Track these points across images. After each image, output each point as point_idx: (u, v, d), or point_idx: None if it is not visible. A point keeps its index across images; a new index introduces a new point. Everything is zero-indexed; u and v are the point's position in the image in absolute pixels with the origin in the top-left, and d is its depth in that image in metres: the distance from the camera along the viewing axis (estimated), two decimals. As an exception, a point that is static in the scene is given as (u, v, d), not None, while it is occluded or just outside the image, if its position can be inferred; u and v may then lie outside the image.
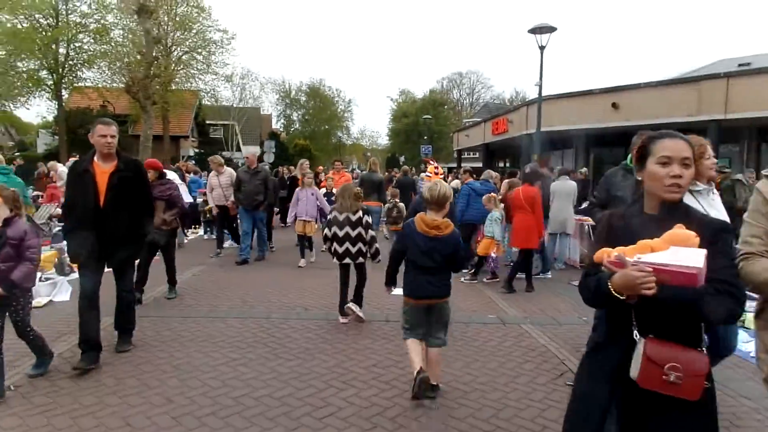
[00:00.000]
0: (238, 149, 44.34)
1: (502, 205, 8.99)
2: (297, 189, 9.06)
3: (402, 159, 48.33)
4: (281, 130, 54.88)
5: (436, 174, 9.42)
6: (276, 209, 10.63)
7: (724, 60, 27.09)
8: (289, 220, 9.09)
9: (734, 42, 75.71)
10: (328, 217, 5.95)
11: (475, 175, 10.01)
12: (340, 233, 5.65)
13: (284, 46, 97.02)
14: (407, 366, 4.35)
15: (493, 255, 8.04)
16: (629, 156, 4.22)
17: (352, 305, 5.75)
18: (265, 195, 9.07)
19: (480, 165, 35.04)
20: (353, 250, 5.67)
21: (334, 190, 9.78)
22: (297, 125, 56.39)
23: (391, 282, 4.15)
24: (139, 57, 24.35)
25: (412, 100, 53.33)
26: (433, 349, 3.88)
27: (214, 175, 9.49)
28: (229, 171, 9.51)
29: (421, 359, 3.77)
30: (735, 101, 14.52)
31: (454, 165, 36.74)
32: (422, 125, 43.67)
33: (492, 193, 8.43)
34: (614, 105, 17.40)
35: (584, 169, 14.43)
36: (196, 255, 9.69)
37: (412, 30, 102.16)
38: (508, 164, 32.71)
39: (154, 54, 23.63)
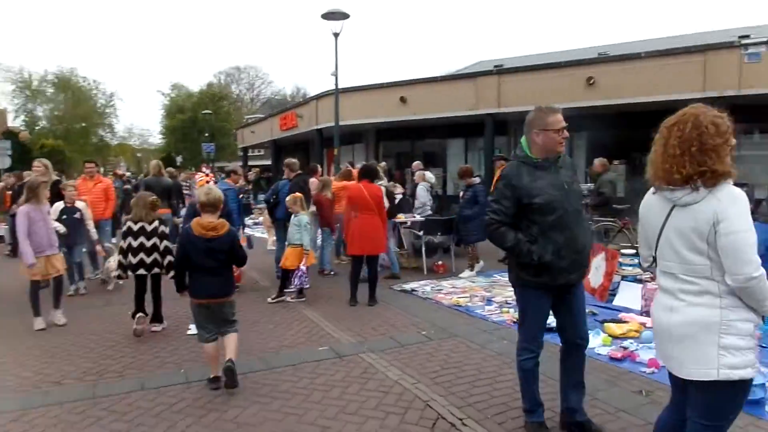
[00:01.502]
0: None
1: (314, 207, 7.99)
2: (23, 207, 5.69)
3: (179, 159, 43.99)
4: (23, 128, 45.32)
5: (207, 176, 8.04)
6: None
7: (482, 61, 30.36)
8: (27, 259, 5.53)
9: (487, 45, 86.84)
10: (123, 228, 5.76)
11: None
12: (135, 243, 5.53)
13: (15, 27, 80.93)
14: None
15: (302, 267, 6.85)
16: (523, 142, 3.20)
17: (151, 326, 5.62)
18: None
19: (268, 162, 33.66)
20: (148, 260, 5.55)
21: (79, 203, 7.24)
22: (45, 122, 47.10)
23: (181, 286, 4.18)
24: None
25: (188, 95, 48.71)
26: (228, 336, 4.16)
27: None
28: None
29: (218, 366, 4.11)
30: (506, 97, 15.84)
31: (240, 163, 34.54)
32: (201, 121, 40.15)
33: (298, 193, 7.26)
34: (402, 99, 17.72)
35: (383, 163, 14.24)
36: None
37: (182, 18, 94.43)
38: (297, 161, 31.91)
39: None
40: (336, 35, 14.26)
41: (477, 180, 8.34)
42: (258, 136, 31.07)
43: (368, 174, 6.94)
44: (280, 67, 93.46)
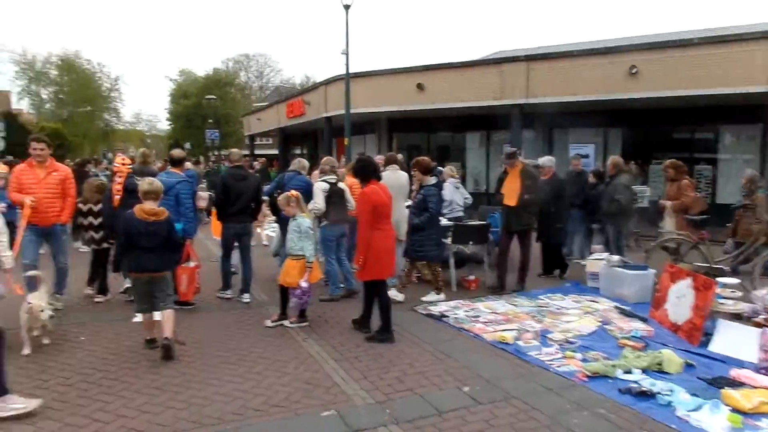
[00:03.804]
0: (-41, 134, 33.91)
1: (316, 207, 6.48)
2: None
3: (188, 145, 42.63)
4: (32, 111, 44.18)
5: (123, 165, 6.61)
6: None
7: (503, 50, 28.73)
8: None
9: (508, 35, 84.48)
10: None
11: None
12: (86, 222, 6.48)
13: (17, 6, 79.54)
14: None
15: (303, 284, 5.37)
16: None
17: (95, 297, 6.26)
18: None
19: (276, 152, 32.31)
20: (97, 236, 6.37)
21: None
22: (50, 105, 45.73)
23: (120, 266, 5.31)
24: None
25: (194, 80, 47.21)
26: (165, 312, 4.56)
27: None
28: None
29: (151, 331, 4.70)
30: (536, 86, 14.29)
31: (247, 152, 33.19)
32: (206, 107, 38.72)
33: (293, 191, 5.76)
34: (419, 86, 16.21)
35: (400, 156, 12.80)
36: None
37: (192, 2, 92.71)
38: (305, 151, 30.52)
39: None
40: (347, 7, 12.79)
41: (432, 180, 6.53)
42: (264, 123, 29.67)
43: (373, 172, 5.26)
44: (290, 56, 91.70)
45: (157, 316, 4.62)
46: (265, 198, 11.02)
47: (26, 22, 77.34)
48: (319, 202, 6.37)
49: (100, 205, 6.27)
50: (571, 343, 4.84)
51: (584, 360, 4.40)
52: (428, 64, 16.88)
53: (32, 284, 5.10)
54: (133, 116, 57.96)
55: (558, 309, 5.99)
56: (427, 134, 19.83)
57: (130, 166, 6.38)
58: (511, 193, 6.93)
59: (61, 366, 4.33)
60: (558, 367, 4.31)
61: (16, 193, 5.50)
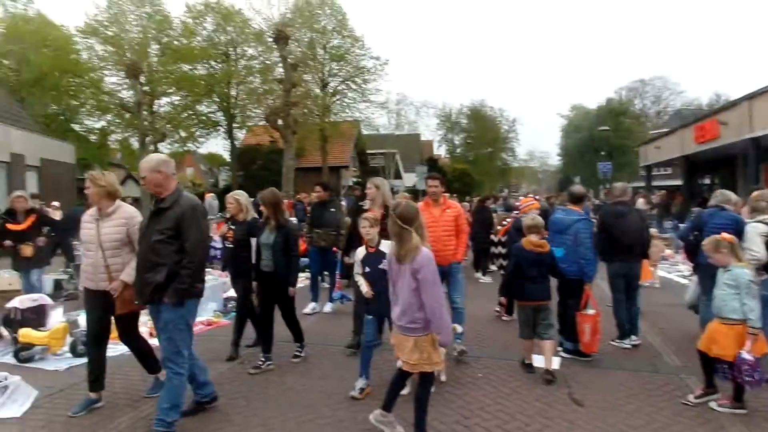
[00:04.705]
0: (398, 176, 43.24)
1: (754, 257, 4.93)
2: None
3: (577, 179, 42.64)
4: (446, 155, 52.87)
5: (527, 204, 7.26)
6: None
7: None
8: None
9: None
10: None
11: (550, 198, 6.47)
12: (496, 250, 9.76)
13: (437, 68, 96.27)
14: None
15: (747, 356, 3.97)
16: None
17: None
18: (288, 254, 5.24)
19: (679, 183, 28.69)
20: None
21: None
22: (460, 150, 53.75)
23: (508, 290, 5.47)
24: (278, 87, 22.96)
25: (585, 113, 47.04)
26: (545, 341, 4.93)
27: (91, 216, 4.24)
28: (125, 210, 4.21)
29: (529, 354, 5.11)
30: None
31: (642, 184, 30.53)
32: (598, 139, 37.73)
33: (725, 234, 4.44)
34: None
35: None
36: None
37: (580, 41, 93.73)
38: (716, 181, 25.88)
39: (292, 81, 22.26)
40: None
41: None
42: (664, 152, 26.61)
43: None
44: (694, 75, 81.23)
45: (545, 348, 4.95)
46: (666, 236, 9.65)
47: (447, 82, 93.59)
48: (756, 249, 4.87)
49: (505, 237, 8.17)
50: None
51: None
52: None
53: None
54: (526, 154, 62.01)
55: None
56: None
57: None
58: None
59: (460, 402, 4.41)
60: None
61: None
